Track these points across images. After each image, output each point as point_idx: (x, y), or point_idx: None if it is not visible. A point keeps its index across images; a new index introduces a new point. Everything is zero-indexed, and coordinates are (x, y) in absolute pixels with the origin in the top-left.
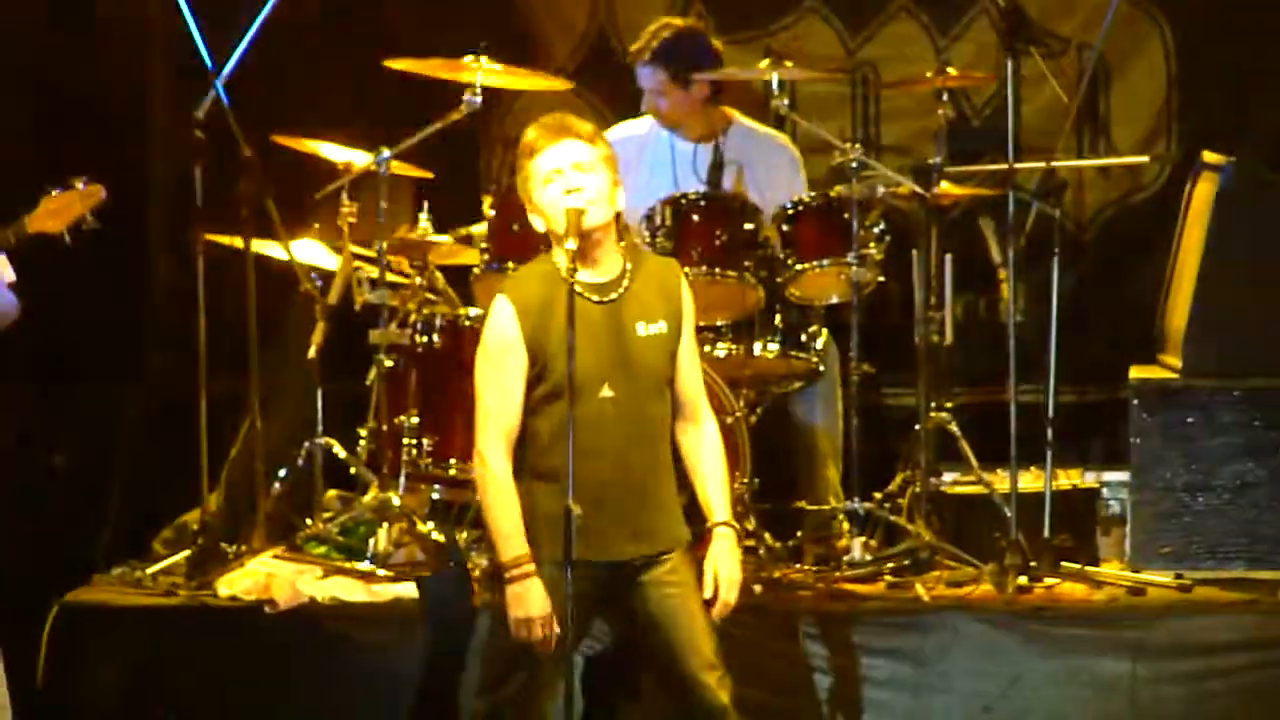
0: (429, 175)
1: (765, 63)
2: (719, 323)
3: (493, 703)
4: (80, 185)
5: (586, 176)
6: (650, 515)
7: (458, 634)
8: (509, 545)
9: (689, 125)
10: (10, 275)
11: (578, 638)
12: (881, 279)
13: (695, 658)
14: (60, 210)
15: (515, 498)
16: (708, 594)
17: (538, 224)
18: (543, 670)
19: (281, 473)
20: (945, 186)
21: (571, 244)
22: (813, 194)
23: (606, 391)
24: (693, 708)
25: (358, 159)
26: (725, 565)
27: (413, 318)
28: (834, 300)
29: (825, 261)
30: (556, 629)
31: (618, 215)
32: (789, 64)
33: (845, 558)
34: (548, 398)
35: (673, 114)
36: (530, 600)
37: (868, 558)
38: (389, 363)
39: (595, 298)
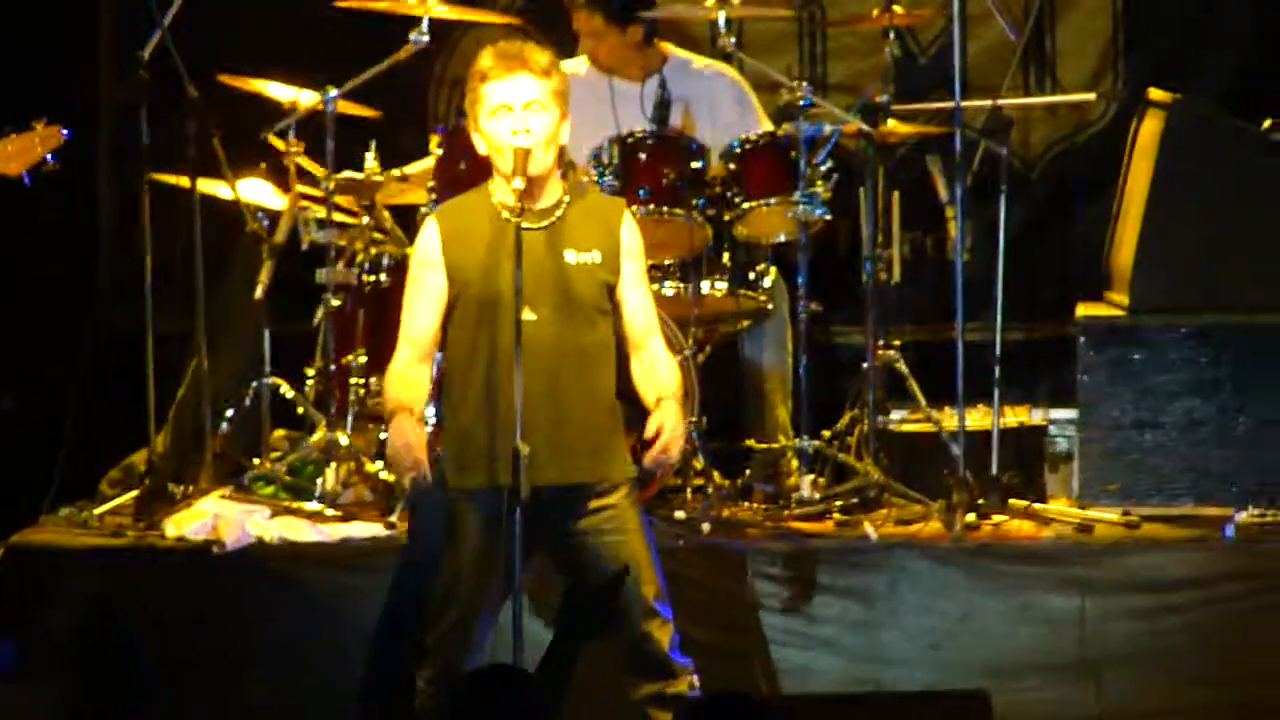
0: (375, 114)
1: (711, 0)
2: (667, 261)
3: (435, 639)
4: (40, 126)
5: (536, 116)
6: (577, 443)
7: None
8: (392, 402)
9: (625, 67)
10: None
11: (510, 570)
12: (829, 217)
13: (634, 606)
14: (19, 152)
15: (412, 383)
16: (649, 435)
17: (480, 146)
18: (479, 602)
19: (229, 413)
20: (892, 124)
21: (519, 183)
22: (760, 132)
23: (528, 314)
24: (634, 656)
25: (304, 98)
26: (669, 423)
27: (360, 257)
28: (782, 239)
29: (773, 200)
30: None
31: (561, 149)
32: (735, 1)
33: (794, 496)
34: (463, 319)
35: (609, 57)
36: (407, 431)
37: (816, 496)
38: (336, 302)
39: (525, 224)
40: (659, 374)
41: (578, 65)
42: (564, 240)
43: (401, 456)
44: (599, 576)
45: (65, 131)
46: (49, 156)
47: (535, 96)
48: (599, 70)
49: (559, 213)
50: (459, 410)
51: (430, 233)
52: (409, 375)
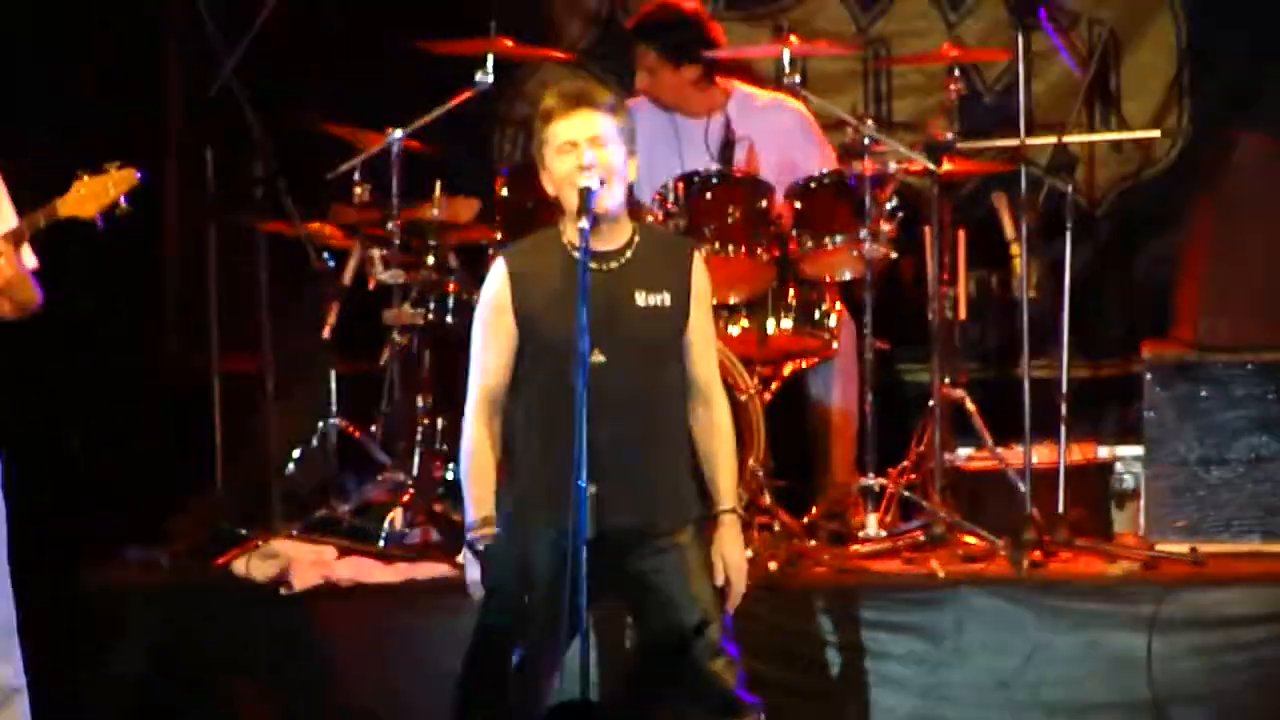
0: (440, 154)
1: (778, 40)
2: (733, 300)
3: (484, 678)
4: (113, 169)
5: (601, 151)
6: (645, 487)
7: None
8: (474, 508)
9: (686, 104)
10: (33, 261)
11: (575, 612)
12: (895, 255)
13: (699, 644)
14: (93, 194)
15: (487, 461)
16: (719, 581)
17: (548, 187)
18: (540, 647)
19: (296, 454)
20: (957, 162)
21: (585, 222)
22: (826, 170)
23: (597, 357)
24: (701, 694)
25: (371, 139)
26: (732, 552)
27: (427, 298)
28: (847, 276)
29: (838, 238)
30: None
31: (629, 188)
32: (795, 40)
33: (860, 534)
34: (534, 361)
35: (666, 93)
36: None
37: (883, 534)
38: (402, 342)
39: (595, 265)
40: (718, 451)
41: (639, 102)
42: (632, 282)
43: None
44: (665, 616)
45: (139, 174)
46: (123, 199)
47: (600, 132)
48: (659, 107)
49: (629, 253)
50: (526, 452)
51: (498, 275)
52: (488, 451)
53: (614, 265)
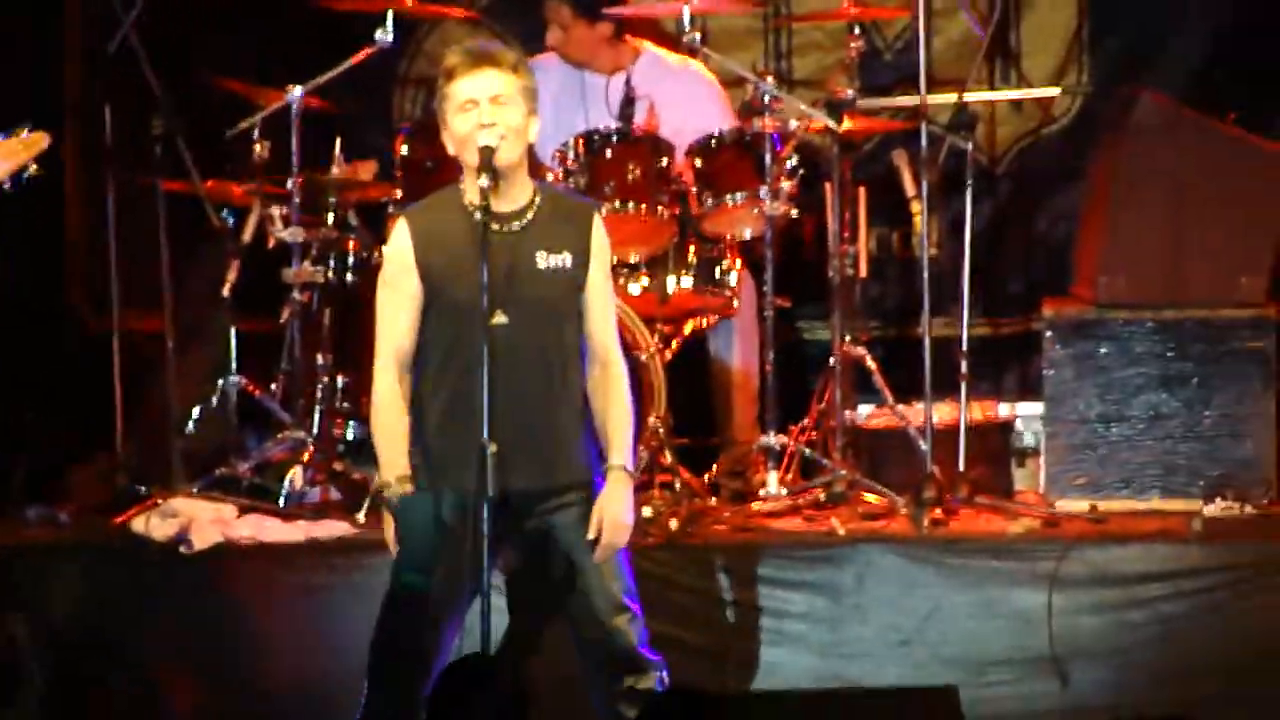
0: (341, 112)
1: None
2: (633, 258)
3: (400, 634)
4: (24, 133)
5: (502, 110)
6: (547, 448)
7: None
8: (385, 468)
9: (595, 61)
10: None
11: (477, 570)
12: (795, 213)
13: (599, 600)
14: (3, 157)
15: (398, 419)
16: (591, 535)
17: (449, 145)
18: (441, 606)
19: (196, 412)
20: (858, 120)
21: (484, 180)
22: (726, 129)
23: (499, 318)
24: (602, 651)
25: (271, 96)
26: (611, 507)
27: (326, 255)
28: (748, 235)
29: (739, 196)
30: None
31: (530, 147)
32: None
33: (761, 492)
34: (437, 321)
35: (576, 50)
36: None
37: (784, 492)
38: (303, 300)
39: (495, 226)
40: (613, 411)
41: (549, 58)
42: (535, 242)
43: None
44: (566, 572)
45: (49, 139)
46: (34, 162)
47: (502, 91)
48: (568, 64)
49: (530, 214)
50: (430, 413)
51: (401, 234)
52: (396, 409)
53: (515, 226)
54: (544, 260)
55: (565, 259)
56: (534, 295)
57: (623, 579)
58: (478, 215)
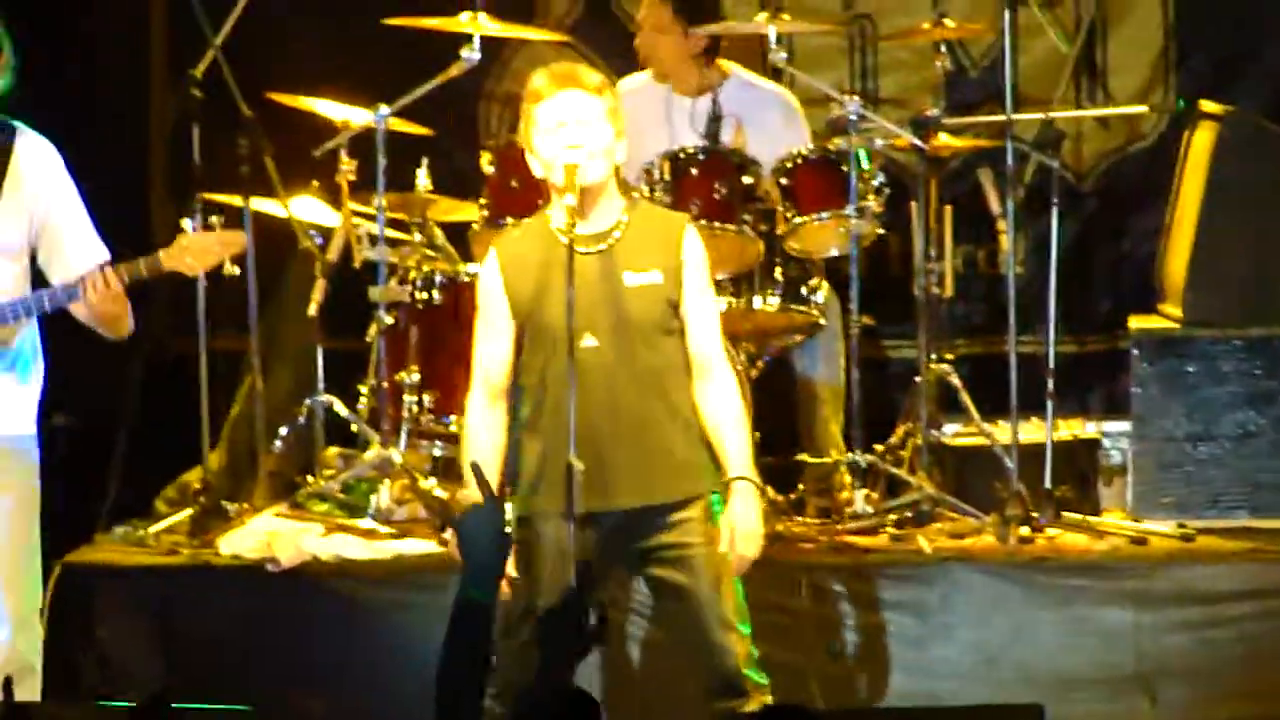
0: (428, 132)
1: (763, 15)
2: (719, 276)
3: (505, 656)
4: (219, 226)
5: (587, 131)
6: (648, 465)
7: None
8: (469, 492)
9: (682, 76)
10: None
11: (583, 591)
12: (881, 231)
13: (710, 617)
14: (198, 251)
15: (484, 446)
16: (723, 548)
17: (535, 169)
18: (547, 626)
19: (283, 431)
20: (944, 138)
21: (570, 199)
22: (811, 147)
23: (588, 340)
24: (707, 667)
25: (356, 116)
26: (740, 519)
27: (412, 274)
28: (834, 253)
29: (824, 214)
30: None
31: (617, 168)
32: (786, 16)
33: (848, 510)
34: (530, 346)
35: (667, 58)
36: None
37: (870, 510)
38: (389, 319)
39: (583, 248)
40: (726, 421)
41: (637, 80)
42: (622, 262)
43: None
44: (676, 591)
45: (246, 239)
46: (230, 260)
47: (588, 113)
48: (654, 80)
49: (617, 234)
50: (528, 435)
51: (490, 263)
52: (486, 435)
53: (602, 247)
54: (633, 279)
55: (655, 275)
56: (624, 315)
57: (732, 597)
58: (561, 238)
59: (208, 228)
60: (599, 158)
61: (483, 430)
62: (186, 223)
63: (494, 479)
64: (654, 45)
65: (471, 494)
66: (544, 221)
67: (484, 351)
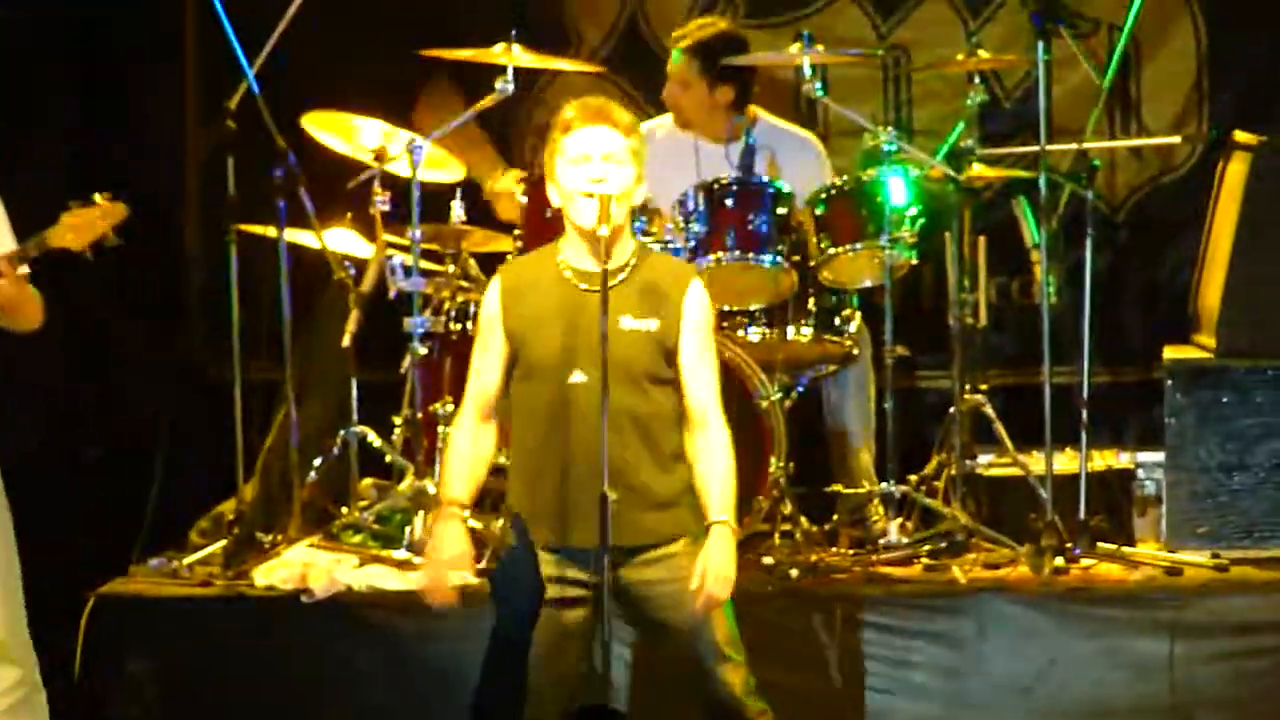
0: (461, 165)
1: (796, 47)
2: (753, 307)
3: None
4: (103, 200)
5: (612, 168)
6: (630, 507)
7: (527, 613)
8: (442, 489)
9: (709, 126)
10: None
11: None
12: (915, 262)
13: (702, 648)
14: (81, 226)
15: (464, 449)
16: (694, 586)
17: (553, 198)
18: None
19: (317, 461)
20: (978, 169)
21: (605, 230)
22: (844, 179)
23: (578, 376)
24: (706, 698)
25: (390, 147)
26: (715, 561)
27: (446, 305)
28: (867, 283)
29: (858, 245)
30: (466, 579)
31: (632, 209)
32: (820, 48)
33: (881, 541)
34: (524, 376)
35: (691, 110)
36: (443, 540)
37: (903, 540)
38: (423, 350)
39: (585, 285)
40: (712, 471)
41: (661, 122)
42: (620, 305)
43: (430, 568)
44: (664, 622)
45: (126, 208)
46: (112, 231)
47: (615, 150)
48: (680, 127)
49: (621, 276)
50: (521, 467)
51: (494, 288)
52: (467, 442)
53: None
54: (629, 323)
55: (652, 324)
56: (616, 357)
57: (725, 628)
58: (567, 273)
59: (89, 203)
60: (620, 196)
61: (468, 445)
62: (71, 202)
63: (472, 491)
64: (678, 100)
65: (507, 537)
66: (552, 254)
67: (478, 368)
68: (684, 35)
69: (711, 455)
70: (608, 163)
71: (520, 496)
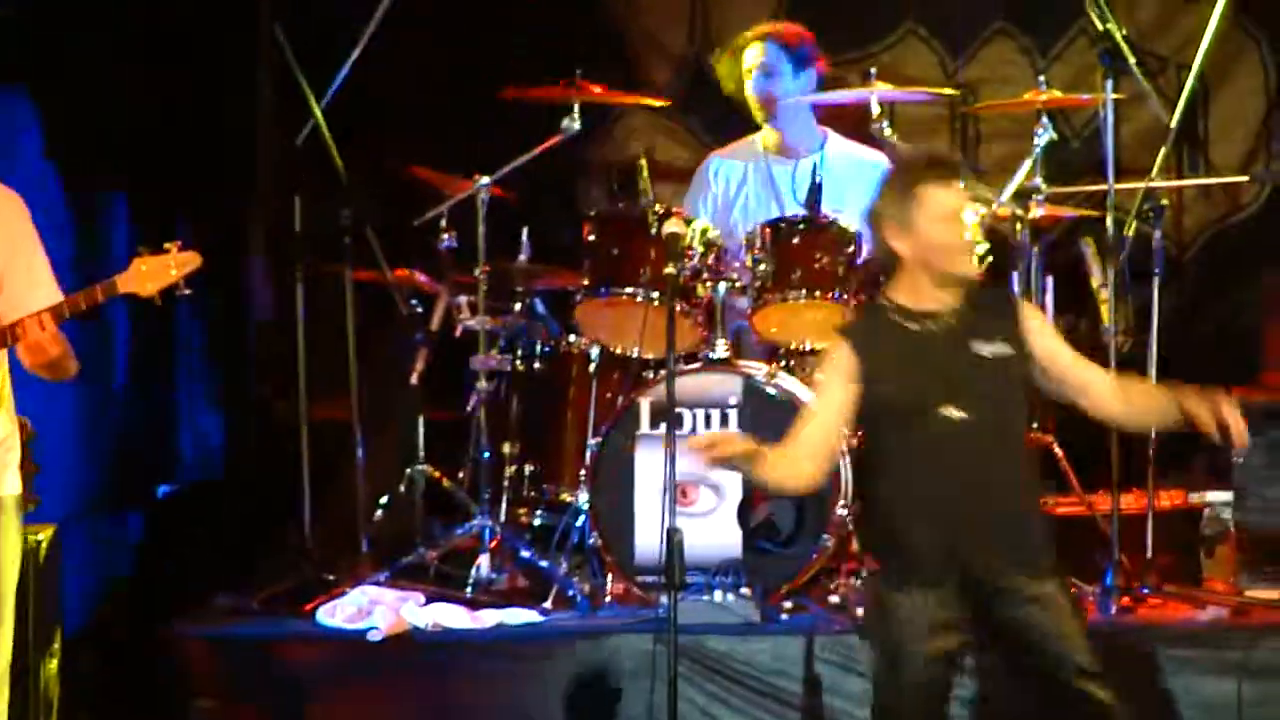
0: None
1: (867, 84)
2: (821, 346)
3: None
4: (174, 249)
5: (974, 229)
6: (1015, 535)
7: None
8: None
9: (786, 128)
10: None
11: (953, 659)
12: None
13: (1073, 666)
14: (153, 274)
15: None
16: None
17: (904, 245)
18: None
19: (384, 499)
20: (1045, 207)
21: (1014, 288)
22: None
23: (951, 411)
24: (1075, 715)
25: (457, 185)
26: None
27: (513, 344)
28: None
29: None
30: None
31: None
32: (888, 85)
33: None
34: (883, 420)
35: (772, 100)
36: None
37: None
38: (489, 388)
39: (915, 326)
40: (1146, 387)
41: (741, 147)
42: (966, 333)
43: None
44: (1044, 651)
45: (199, 259)
46: (183, 281)
47: (971, 214)
48: (756, 148)
49: (956, 306)
50: (892, 514)
51: (842, 350)
52: (787, 455)
53: (947, 321)
54: (984, 348)
55: (1004, 347)
56: (983, 384)
57: (1089, 654)
58: (896, 317)
59: (161, 251)
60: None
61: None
62: (142, 248)
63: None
64: (764, 88)
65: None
66: (882, 305)
67: (812, 415)
68: (771, 29)
69: (1130, 382)
70: (970, 226)
71: (898, 538)
